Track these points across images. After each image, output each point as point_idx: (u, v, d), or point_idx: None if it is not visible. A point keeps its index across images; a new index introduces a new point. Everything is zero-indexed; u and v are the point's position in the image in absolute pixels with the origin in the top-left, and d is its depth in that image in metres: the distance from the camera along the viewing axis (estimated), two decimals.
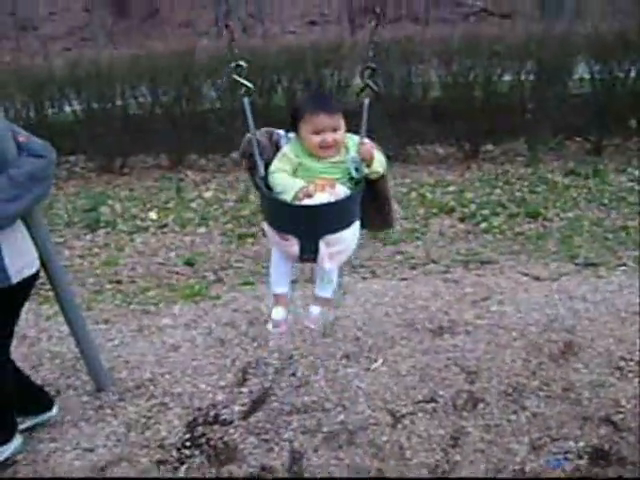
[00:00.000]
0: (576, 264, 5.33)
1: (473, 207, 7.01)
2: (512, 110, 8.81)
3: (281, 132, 2.94)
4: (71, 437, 3.35)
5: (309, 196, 2.67)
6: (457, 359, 3.88)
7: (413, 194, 7.56)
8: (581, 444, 3.12)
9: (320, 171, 2.76)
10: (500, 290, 4.83)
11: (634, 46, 8.39)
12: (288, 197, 2.69)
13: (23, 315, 4.74)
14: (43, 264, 3.34)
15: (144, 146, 9.53)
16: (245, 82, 2.76)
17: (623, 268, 5.20)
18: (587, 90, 8.88)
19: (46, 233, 3.33)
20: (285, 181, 2.73)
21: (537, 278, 5.08)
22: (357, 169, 2.76)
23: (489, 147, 9.17)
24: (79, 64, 9.61)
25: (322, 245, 2.71)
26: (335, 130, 2.75)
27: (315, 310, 3.11)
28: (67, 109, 9.40)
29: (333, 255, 2.77)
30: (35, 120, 9.16)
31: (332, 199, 2.69)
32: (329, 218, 2.70)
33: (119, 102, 9.25)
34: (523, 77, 8.80)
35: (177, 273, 5.75)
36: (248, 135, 2.82)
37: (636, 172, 7.73)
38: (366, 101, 2.80)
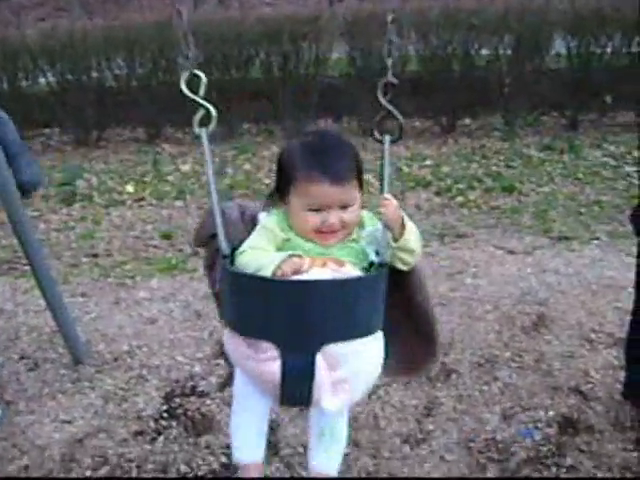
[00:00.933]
0: (550, 238, 5.41)
1: (449, 181, 7.05)
2: (489, 84, 8.84)
3: (257, 207, 2.07)
4: (49, 409, 3.37)
5: (298, 272, 1.76)
6: None
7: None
8: (551, 413, 3.19)
9: (318, 252, 1.87)
10: (475, 263, 4.90)
11: (610, 22, 8.45)
12: (266, 273, 1.76)
13: (0, 288, 4.79)
14: (18, 238, 3.34)
15: (120, 119, 9.46)
16: (203, 102, 1.94)
17: (596, 242, 5.28)
18: (564, 65, 8.93)
19: (21, 207, 3.31)
20: (261, 257, 1.83)
21: (511, 252, 5.15)
22: (378, 251, 1.89)
23: (466, 121, 9.21)
24: (53, 35, 9.48)
25: (320, 363, 1.72)
26: (345, 207, 1.87)
27: None
28: (41, 81, 9.28)
29: (339, 385, 1.77)
30: (8, 92, 9.05)
31: (338, 276, 1.80)
32: (333, 309, 1.73)
33: (95, 74, 9.16)
34: (501, 51, 8.82)
35: (154, 246, 5.75)
36: (207, 207, 2.02)
37: (611, 147, 7.81)
38: (387, 139, 2.05)
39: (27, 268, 3.99)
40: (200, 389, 3.51)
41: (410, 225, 1.94)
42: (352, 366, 1.78)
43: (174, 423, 3.24)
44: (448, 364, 3.61)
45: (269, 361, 1.73)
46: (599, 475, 2.81)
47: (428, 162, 7.78)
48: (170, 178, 7.63)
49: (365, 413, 3.25)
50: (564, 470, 2.85)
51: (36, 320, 4.29)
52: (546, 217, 5.93)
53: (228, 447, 3.06)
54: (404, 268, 1.95)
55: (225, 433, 3.14)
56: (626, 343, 3.21)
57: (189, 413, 3.31)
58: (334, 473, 2.05)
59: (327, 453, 2.02)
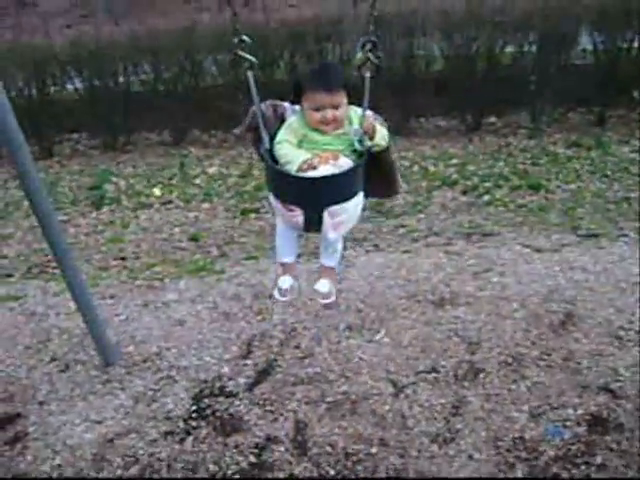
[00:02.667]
0: (578, 235, 5.36)
1: (475, 180, 7.02)
2: (515, 82, 8.76)
3: (286, 104, 2.90)
4: (80, 410, 3.43)
5: (313, 168, 2.66)
6: (458, 330, 3.93)
7: (416, 167, 7.57)
8: (580, 412, 3.18)
9: (324, 143, 2.75)
10: (501, 262, 4.87)
11: (637, 16, 8.34)
12: (292, 169, 2.67)
13: (31, 292, 4.87)
14: (48, 242, 3.40)
15: (147, 123, 9.55)
16: (248, 57, 2.72)
17: (624, 239, 5.22)
18: (590, 61, 8.84)
19: (51, 211, 3.37)
20: (290, 153, 2.72)
21: (538, 250, 5.11)
22: (360, 141, 2.75)
23: (492, 119, 9.15)
24: (80, 41, 9.60)
25: (326, 216, 2.72)
26: (335, 107, 2.71)
27: (324, 285, 3.10)
28: (69, 87, 9.40)
29: (337, 225, 2.78)
30: (37, 98, 9.19)
31: (335, 171, 2.67)
32: (333, 189, 2.70)
33: (121, 79, 9.26)
34: (526, 48, 8.76)
35: (182, 249, 5.80)
36: (253, 108, 2.78)
37: (639, 143, 7.72)
38: (367, 74, 2.71)
39: (57, 271, 4.06)
40: (228, 389, 3.54)
41: (379, 129, 2.76)
42: (344, 214, 2.74)
43: (203, 423, 3.28)
44: (475, 363, 3.60)
45: (297, 216, 2.73)
46: (630, 474, 2.79)
47: (454, 161, 7.75)
48: (197, 181, 7.70)
49: (393, 412, 3.26)
50: (594, 469, 2.84)
51: (67, 323, 4.36)
52: (573, 214, 5.88)
53: (257, 447, 3.10)
54: (377, 150, 2.81)
55: (253, 433, 3.18)
56: None
57: (218, 413, 3.34)
58: (334, 265, 3.11)
59: (330, 256, 3.08)
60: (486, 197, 6.55)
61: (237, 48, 2.71)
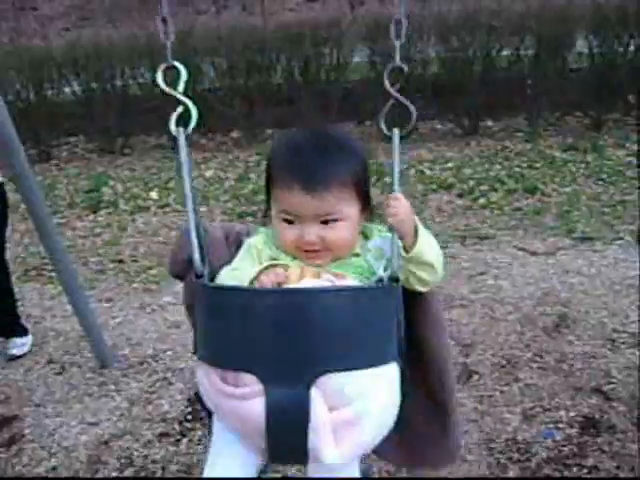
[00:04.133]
0: (573, 238, 5.38)
1: (472, 183, 7.04)
2: (511, 86, 8.81)
3: (243, 227, 1.85)
4: (76, 412, 3.44)
5: (281, 283, 1.49)
6: (452, 332, 3.94)
7: (412, 170, 7.59)
8: (572, 414, 3.19)
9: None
10: (496, 265, 4.90)
11: (633, 20, 8.38)
12: (245, 283, 1.53)
13: (27, 294, 4.89)
14: (45, 245, 3.42)
15: (145, 126, 9.55)
16: (180, 97, 1.65)
17: (619, 242, 5.25)
18: (586, 65, 8.88)
19: (47, 214, 3.39)
20: (242, 272, 1.57)
21: (534, 253, 5.14)
22: (387, 265, 1.52)
23: (488, 123, 9.18)
24: (78, 44, 9.63)
25: (317, 399, 1.35)
26: (326, 221, 1.55)
27: None
28: (67, 90, 9.43)
29: (343, 430, 1.38)
30: (34, 101, 9.19)
31: (333, 284, 1.50)
32: (332, 326, 1.38)
33: (119, 82, 9.28)
34: (522, 52, 8.80)
35: None
36: (183, 224, 1.71)
37: (634, 147, 7.74)
38: (396, 133, 1.64)
39: (54, 274, 4.07)
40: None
41: (424, 232, 1.57)
42: (360, 404, 1.38)
43: (198, 425, 3.28)
44: (469, 365, 3.62)
45: (250, 398, 1.37)
46: (621, 475, 2.80)
47: (450, 164, 7.77)
48: (194, 184, 7.69)
49: None
50: (585, 470, 2.84)
51: (63, 325, 4.38)
52: (569, 218, 5.90)
53: None
54: (421, 288, 1.60)
55: None
56: None
57: (213, 415, 3.35)
58: None
59: None
60: (482, 200, 6.57)
61: (162, 79, 1.70)
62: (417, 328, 1.61)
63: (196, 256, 1.57)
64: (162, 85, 1.65)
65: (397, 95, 1.67)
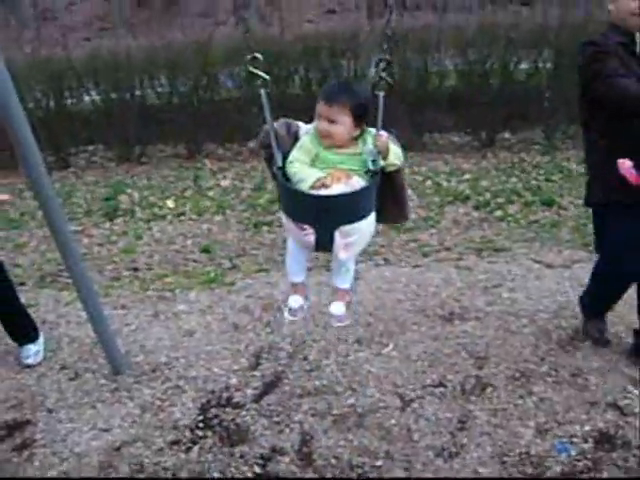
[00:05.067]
0: (589, 251, 5.34)
1: (488, 195, 7.02)
2: (529, 98, 8.80)
3: (300, 124, 2.90)
4: (88, 418, 3.45)
5: (325, 186, 2.65)
6: (467, 345, 3.93)
7: (428, 182, 7.58)
8: (587, 428, 3.16)
9: (336, 162, 2.74)
10: (512, 277, 4.87)
11: None
12: (305, 187, 2.66)
13: (43, 300, 4.92)
14: (61, 252, 3.44)
15: (162, 135, 9.63)
16: (261, 74, 2.69)
17: None
18: None
19: (64, 222, 3.41)
20: (302, 171, 2.70)
21: (549, 265, 5.11)
22: (374, 161, 2.72)
23: (505, 135, 9.17)
24: (98, 54, 9.73)
25: (337, 235, 2.70)
26: (331, 121, 2.70)
27: (338, 308, 3.12)
28: (86, 99, 9.51)
29: (348, 245, 2.76)
30: (54, 110, 9.29)
31: (348, 190, 2.66)
32: (344, 209, 2.68)
33: (138, 92, 9.36)
34: (540, 65, 8.78)
35: (193, 260, 5.83)
36: (266, 126, 2.76)
37: None
38: (381, 94, 2.70)
39: (70, 281, 4.09)
40: (235, 400, 3.55)
41: (393, 149, 2.73)
42: (355, 234, 2.73)
43: (209, 433, 3.28)
44: (483, 378, 3.60)
45: (308, 234, 2.71)
46: None
47: (467, 176, 7.76)
48: (210, 193, 7.74)
49: (399, 426, 3.26)
50: None
51: (77, 331, 4.39)
52: (585, 231, 5.85)
53: (262, 457, 3.11)
54: (390, 170, 2.79)
55: (259, 444, 3.19)
56: None
57: (224, 424, 3.35)
58: (347, 287, 3.11)
59: (342, 277, 3.08)
60: (498, 213, 6.55)
61: (250, 65, 2.68)
62: (392, 177, 2.87)
63: (276, 153, 2.72)
64: (251, 69, 2.66)
65: (382, 74, 2.67)
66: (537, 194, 6.98)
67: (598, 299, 3.93)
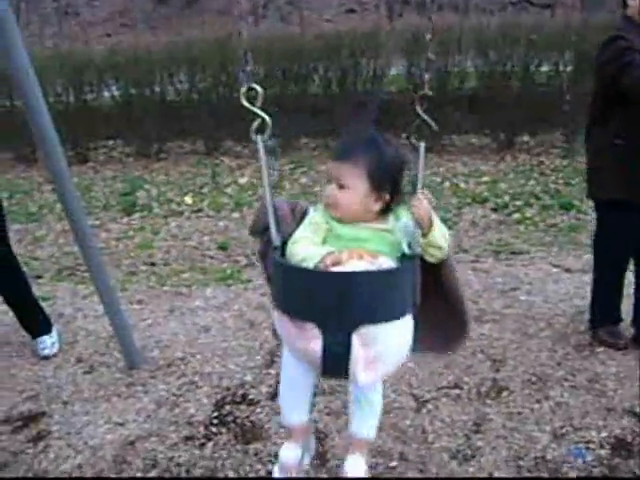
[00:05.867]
0: None
1: (506, 198, 6.99)
2: (549, 101, 8.72)
3: (307, 204, 2.28)
4: (103, 411, 3.46)
5: (338, 264, 1.96)
6: (483, 347, 3.91)
7: (447, 184, 7.56)
8: (603, 434, 3.13)
9: (357, 240, 2.07)
10: (529, 280, 4.84)
11: None
12: (310, 265, 1.98)
13: (60, 293, 4.94)
14: (79, 246, 3.46)
15: (181, 132, 9.65)
16: (260, 112, 2.06)
17: None
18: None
19: (82, 215, 3.42)
20: (307, 249, 2.04)
21: (568, 270, 5.08)
22: (410, 243, 2.07)
23: (525, 138, 9.11)
24: (118, 50, 9.77)
25: (356, 342, 1.91)
26: (340, 186, 2.08)
27: (357, 466, 2.23)
28: (106, 94, 9.56)
29: (372, 361, 1.96)
30: (74, 105, 9.34)
31: (372, 268, 1.98)
32: (367, 296, 1.91)
33: (157, 88, 9.39)
34: (561, 68, 8.72)
35: (210, 257, 5.84)
36: (262, 201, 2.15)
37: None
38: (422, 144, 2.10)
39: (87, 275, 4.11)
40: (250, 397, 3.55)
41: (438, 223, 2.07)
42: (383, 345, 1.97)
43: (224, 430, 3.28)
44: (499, 381, 3.57)
45: (312, 339, 1.93)
46: None
47: (485, 178, 7.72)
48: (228, 190, 7.76)
49: (414, 427, 3.24)
50: None
51: (94, 325, 4.41)
52: None
53: (276, 456, 3.08)
54: (433, 261, 2.11)
55: (274, 442, 3.18)
56: None
57: (239, 420, 3.35)
58: (370, 437, 2.28)
59: (363, 419, 2.24)
60: (516, 215, 6.51)
61: (243, 97, 2.07)
62: (436, 275, 2.16)
63: (273, 230, 2.11)
64: (245, 103, 2.05)
65: (425, 116, 2.09)
66: (556, 197, 6.94)
67: (602, 297, 3.95)
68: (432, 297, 2.13)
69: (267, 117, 2.05)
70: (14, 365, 3.99)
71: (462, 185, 7.51)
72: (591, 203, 6.59)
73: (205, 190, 7.81)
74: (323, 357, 1.92)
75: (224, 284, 5.09)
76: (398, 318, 1.99)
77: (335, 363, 1.94)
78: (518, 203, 6.82)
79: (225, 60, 9.19)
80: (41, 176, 8.24)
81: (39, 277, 5.31)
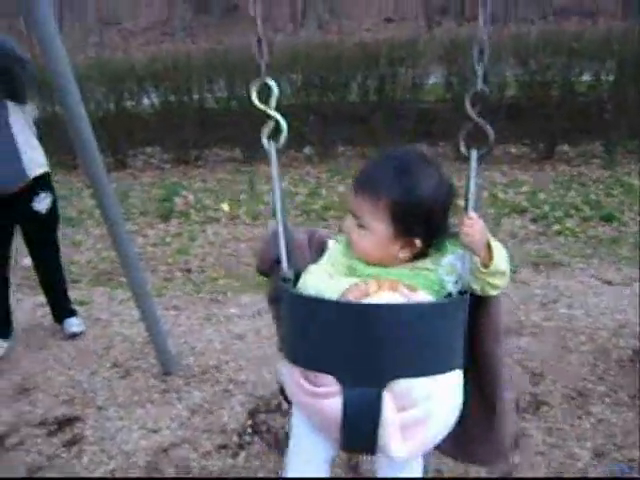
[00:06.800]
0: None
1: (546, 208, 6.88)
2: (590, 111, 8.60)
3: (327, 233, 1.95)
4: (138, 417, 3.46)
5: (366, 296, 1.59)
6: (522, 360, 3.83)
7: (485, 193, 7.46)
8: None
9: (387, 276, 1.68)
10: (570, 293, 4.74)
11: None
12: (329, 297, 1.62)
13: (97, 298, 4.97)
14: (117, 251, 3.47)
15: (219, 139, 9.71)
16: (273, 113, 1.80)
17: None
18: None
19: (120, 221, 3.44)
20: (324, 281, 1.68)
21: (609, 282, 4.96)
22: (457, 282, 1.66)
23: (565, 148, 8.98)
24: (158, 58, 9.86)
25: (388, 402, 1.51)
26: (360, 225, 1.70)
27: None
28: (145, 102, 9.65)
29: (410, 428, 1.54)
30: (114, 112, 9.45)
31: (406, 301, 1.59)
32: (403, 338, 1.51)
33: (196, 96, 9.46)
34: (603, 77, 8.58)
35: (246, 264, 5.83)
36: (272, 225, 1.85)
37: None
38: (474, 153, 1.79)
39: (124, 280, 4.13)
40: (285, 407, 3.51)
41: (496, 245, 1.68)
42: (426, 406, 1.54)
43: (257, 439, 3.26)
44: (538, 395, 3.49)
45: (329, 397, 1.53)
46: None
47: (524, 188, 7.62)
48: (265, 198, 7.76)
49: None
50: None
51: (130, 330, 4.43)
52: None
53: None
54: (494, 293, 1.71)
55: None
56: None
57: (273, 430, 3.32)
58: None
59: None
60: (556, 226, 6.40)
61: (256, 95, 1.81)
62: (478, 334, 1.74)
63: (284, 262, 1.74)
64: (255, 101, 1.78)
65: (477, 118, 1.74)
66: (596, 209, 6.81)
67: None
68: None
69: (282, 120, 1.78)
70: (51, 368, 4.02)
71: (501, 195, 7.41)
72: (633, 214, 6.57)
73: (242, 197, 7.83)
74: (343, 422, 1.51)
75: (259, 292, 5.07)
76: (446, 371, 1.58)
77: (360, 430, 1.50)
78: (558, 214, 6.70)
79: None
80: (80, 182, 8.33)
81: (76, 281, 5.35)
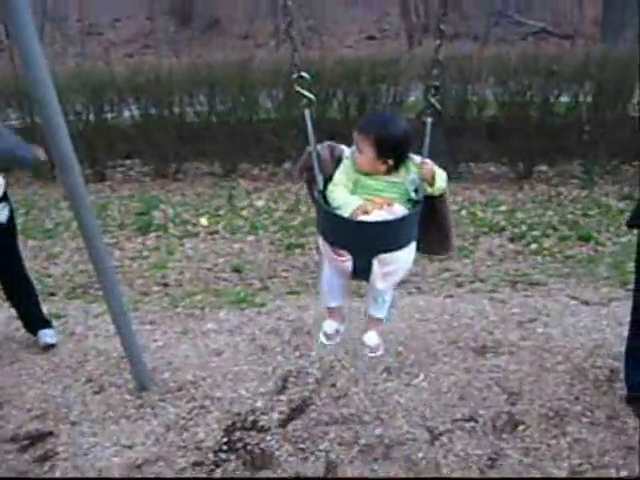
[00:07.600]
0: (627, 290, 5.21)
1: (524, 228, 6.93)
2: (568, 131, 8.68)
3: (344, 147, 2.93)
4: (111, 433, 3.41)
5: (366, 213, 2.67)
6: (499, 379, 3.83)
7: (464, 212, 7.51)
8: (623, 473, 3.04)
9: (376, 189, 2.77)
10: (547, 312, 4.75)
11: None
12: (345, 213, 2.69)
13: (72, 312, 4.91)
14: (94, 264, 3.43)
15: (199, 153, 9.67)
16: (307, 93, 2.77)
17: None
18: None
19: (98, 233, 3.40)
20: (343, 197, 2.74)
21: (586, 302, 4.98)
22: (416, 190, 2.76)
23: (543, 168, 9.05)
24: (139, 70, 9.82)
25: (376, 264, 2.71)
26: (360, 150, 2.76)
27: (371, 338, 3.08)
28: (126, 114, 9.61)
29: (386, 275, 2.76)
30: (94, 123, 9.40)
31: (389, 217, 2.69)
32: (384, 236, 2.69)
33: (177, 109, 9.43)
34: (581, 98, 8.68)
35: (224, 279, 5.81)
36: (308, 148, 2.82)
37: None
38: (429, 120, 2.80)
39: (100, 293, 4.08)
40: (261, 424, 3.49)
41: (439, 174, 2.76)
42: (394, 264, 2.74)
43: (233, 456, 3.23)
44: (515, 414, 3.49)
45: (346, 261, 2.72)
46: None
47: (503, 208, 7.67)
48: (244, 213, 7.74)
49: (427, 460, 3.17)
50: None
51: (105, 345, 4.38)
52: (623, 268, 5.71)
53: None
54: (436, 194, 2.82)
55: (284, 469, 3.12)
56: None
57: (248, 447, 3.29)
58: (382, 316, 3.04)
59: (378, 307, 3.00)
60: (534, 246, 6.45)
61: (296, 84, 2.76)
62: (436, 205, 2.90)
63: (318, 176, 2.78)
64: (296, 86, 2.76)
65: (432, 100, 2.83)
66: (574, 229, 6.87)
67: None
68: (432, 218, 2.86)
69: (313, 97, 2.77)
70: (23, 383, 3.96)
71: (479, 214, 7.45)
72: (610, 235, 6.63)
73: (221, 212, 7.80)
74: (353, 272, 2.74)
75: (237, 307, 5.04)
76: (406, 246, 2.73)
77: (361, 275, 2.76)
78: (536, 233, 6.75)
79: (244, 83, 9.22)
80: (58, 193, 8.26)
81: (52, 294, 5.29)
